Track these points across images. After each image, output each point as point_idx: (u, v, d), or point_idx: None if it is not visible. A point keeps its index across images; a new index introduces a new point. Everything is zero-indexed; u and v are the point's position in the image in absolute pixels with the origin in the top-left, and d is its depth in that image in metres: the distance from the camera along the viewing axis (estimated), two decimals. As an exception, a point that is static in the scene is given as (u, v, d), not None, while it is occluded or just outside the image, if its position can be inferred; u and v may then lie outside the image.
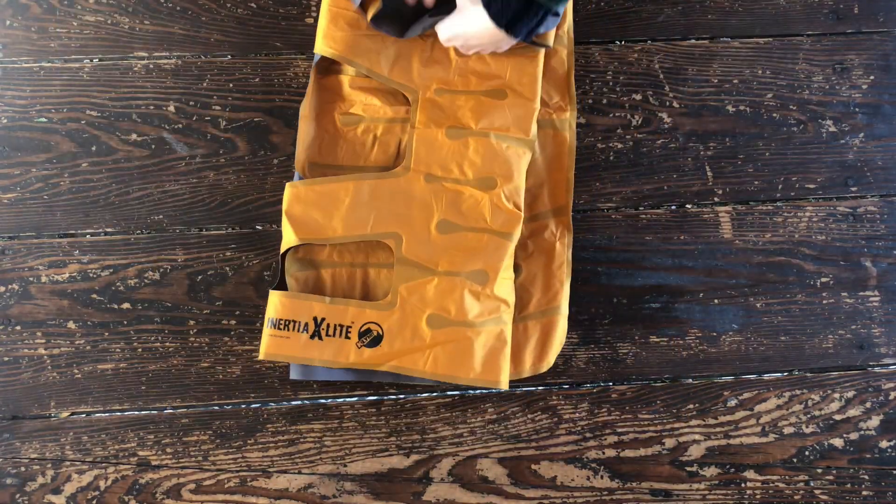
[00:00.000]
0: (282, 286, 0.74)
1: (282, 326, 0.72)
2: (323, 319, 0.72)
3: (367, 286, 0.75)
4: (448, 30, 0.71)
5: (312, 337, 0.72)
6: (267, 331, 0.72)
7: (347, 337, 0.72)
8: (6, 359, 0.76)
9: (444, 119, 0.75)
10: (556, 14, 0.66)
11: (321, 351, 0.71)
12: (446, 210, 0.73)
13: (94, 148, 0.78)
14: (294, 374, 0.74)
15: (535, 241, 0.76)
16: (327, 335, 0.72)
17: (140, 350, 0.76)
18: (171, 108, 0.79)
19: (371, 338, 0.72)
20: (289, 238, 0.73)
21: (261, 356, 0.72)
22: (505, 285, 0.73)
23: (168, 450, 0.75)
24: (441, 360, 0.71)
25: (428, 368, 0.71)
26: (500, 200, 0.73)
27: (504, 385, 0.72)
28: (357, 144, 0.76)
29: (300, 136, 0.76)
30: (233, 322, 0.76)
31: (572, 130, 0.78)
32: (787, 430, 0.77)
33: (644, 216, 0.79)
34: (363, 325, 0.72)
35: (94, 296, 0.76)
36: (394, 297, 0.72)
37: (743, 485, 0.76)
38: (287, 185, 0.74)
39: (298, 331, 0.72)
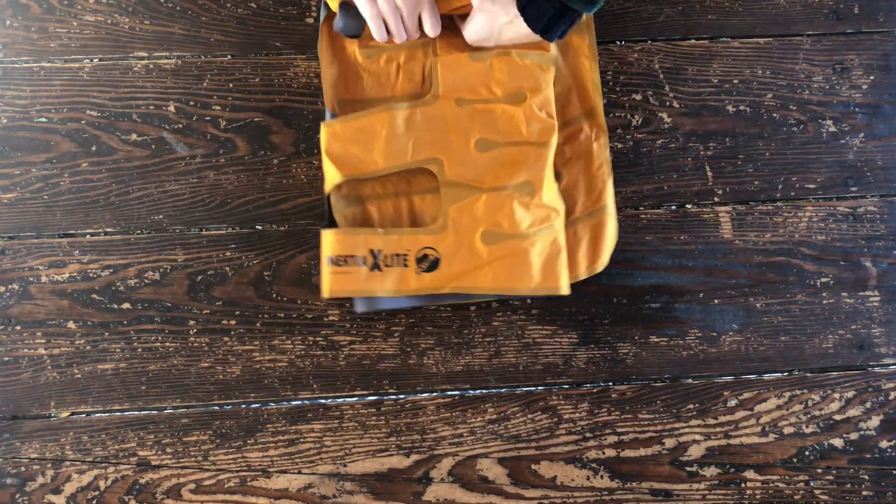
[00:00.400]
0: (332, 226, 0.75)
1: (341, 262, 0.73)
2: (380, 251, 0.73)
3: (414, 213, 0.76)
4: (476, 33, 0.72)
5: (372, 269, 0.73)
6: (327, 269, 0.73)
7: (406, 265, 0.73)
8: (6, 359, 0.76)
9: (464, 44, 0.75)
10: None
11: (383, 282, 0.72)
12: (482, 129, 0.74)
13: (94, 148, 0.78)
14: (360, 307, 0.75)
15: (572, 146, 0.77)
16: (386, 265, 0.73)
17: (140, 350, 0.76)
18: (171, 108, 0.79)
19: (429, 262, 0.73)
20: (332, 176, 0.74)
21: (325, 294, 0.73)
22: (552, 193, 0.75)
23: (168, 450, 0.75)
24: (500, 273, 0.72)
25: (488, 284, 0.73)
26: (532, 112, 0.74)
27: (565, 290, 0.74)
28: (382, 76, 0.77)
29: (324, 76, 0.77)
30: (233, 322, 0.76)
31: (591, 34, 0.78)
32: (787, 430, 0.77)
33: (644, 216, 0.79)
34: (420, 251, 0.73)
35: (94, 296, 0.76)
36: (444, 219, 0.73)
37: (743, 485, 0.76)
38: (322, 124, 0.75)
39: (358, 265, 0.72)
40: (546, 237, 0.73)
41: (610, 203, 0.76)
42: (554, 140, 0.75)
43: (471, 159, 0.74)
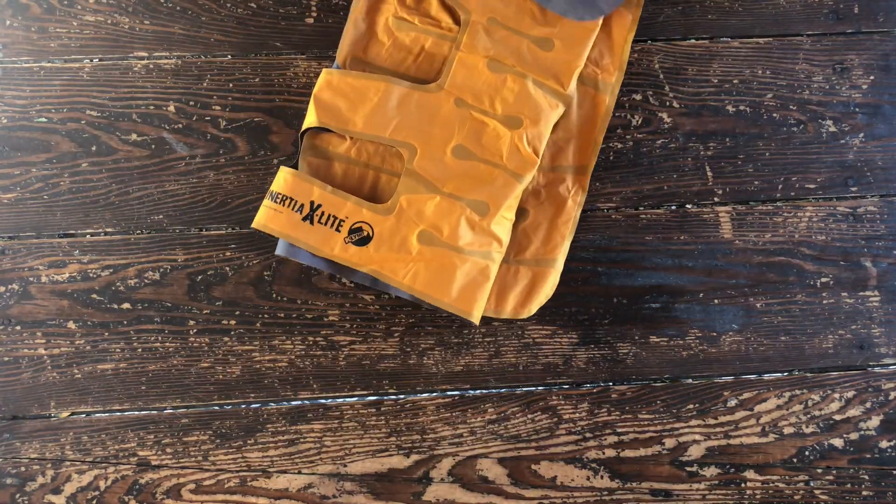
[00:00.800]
0: (295, 167, 0.76)
1: (279, 201, 0.73)
2: (319, 206, 0.72)
3: (376, 189, 0.75)
4: None
5: (305, 219, 0.72)
6: (265, 202, 0.73)
7: (338, 230, 0.72)
8: (6, 359, 0.76)
9: (489, 49, 0.75)
10: None
11: (308, 235, 0.72)
12: (467, 137, 0.74)
13: (94, 148, 0.78)
14: (280, 250, 0.74)
15: (549, 191, 0.77)
16: (319, 222, 0.72)
17: (140, 350, 0.76)
18: (171, 108, 0.79)
19: (360, 236, 0.72)
20: (310, 119, 0.74)
21: (253, 224, 0.73)
22: (503, 224, 0.74)
23: (168, 450, 0.75)
24: (421, 276, 0.72)
25: (406, 281, 0.72)
26: (520, 141, 0.74)
27: (475, 318, 0.73)
28: (404, 51, 0.77)
29: (347, 30, 0.77)
30: (233, 322, 0.76)
31: (613, 95, 0.78)
32: (787, 430, 0.77)
33: (644, 216, 0.79)
34: (356, 223, 0.72)
35: (94, 296, 0.76)
36: (393, 204, 0.73)
37: (743, 485, 0.76)
38: (324, 70, 0.75)
39: (293, 209, 0.72)
40: (479, 262, 0.73)
41: (560, 259, 0.76)
42: (529, 176, 0.74)
43: (443, 160, 0.74)
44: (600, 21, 0.76)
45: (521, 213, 0.76)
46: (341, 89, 0.75)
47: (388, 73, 0.77)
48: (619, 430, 0.77)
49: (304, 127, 0.75)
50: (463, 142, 0.74)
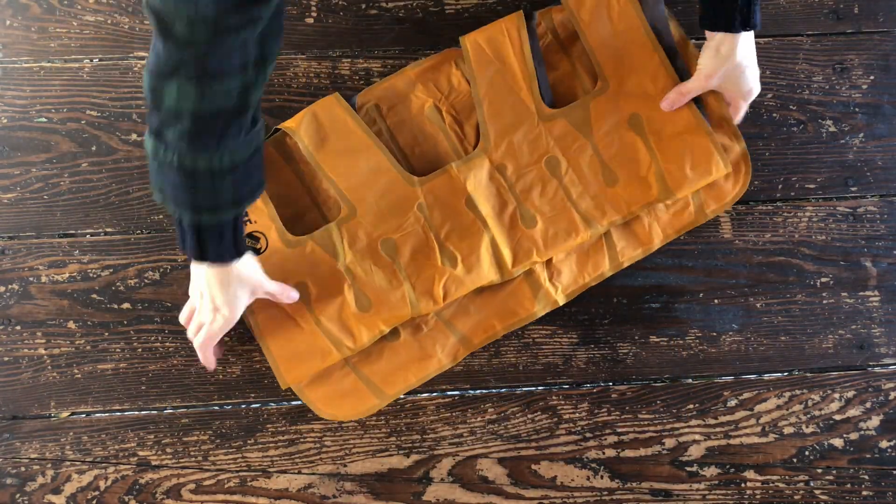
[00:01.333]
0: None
1: None
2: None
3: (299, 219, 0.74)
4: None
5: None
6: None
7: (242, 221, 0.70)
8: (6, 359, 0.76)
9: (476, 189, 0.73)
10: None
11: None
12: (404, 239, 0.73)
13: (94, 148, 0.78)
14: None
15: (428, 338, 0.74)
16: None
17: (140, 350, 0.76)
18: (171, 108, 0.79)
19: (253, 246, 0.72)
20: (292, 125, 0.74)
21: None
22: (373, 331, 0.72)
23: (168, 450, 0.75)
24: (272, 318, 0.71)
25: (256, 310, 0.71)
26: (440, 279, 0.72)
27: (284, 384, 0.71)
28: (420, 134, 0.76)
29: (391, 81, 0.76)
30: (233, 322, 0.76)
31: (543, 310, 0.75)
32: (787, 430, 0.77)
33: (644, 216, 0.79)
34: (258, 231, 0.72)
35: (94, 296, 0.76)
36: (299, 243, 0.72)
37: (743, 485, 0.76)
38: (336, 94, 0.75)
39: None
40: (325, 344, 0.71)
41: (390, 396, 0.74)
42: (424, 312, 0.72)
43: (369, 241, 0.72)
44: (586, 236, 0.73)
45: (394, 331, 0.74)
46: (336, 123, 0.73)
47: (393, 140, 0.75)
48: (619, 430, 0.77)
49: (284, 125, 0.74)
50: (398, 241, 0.72)
